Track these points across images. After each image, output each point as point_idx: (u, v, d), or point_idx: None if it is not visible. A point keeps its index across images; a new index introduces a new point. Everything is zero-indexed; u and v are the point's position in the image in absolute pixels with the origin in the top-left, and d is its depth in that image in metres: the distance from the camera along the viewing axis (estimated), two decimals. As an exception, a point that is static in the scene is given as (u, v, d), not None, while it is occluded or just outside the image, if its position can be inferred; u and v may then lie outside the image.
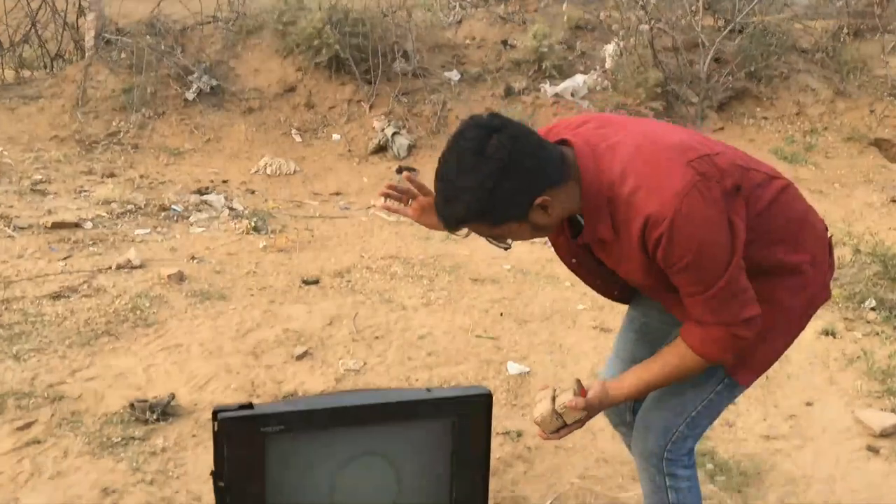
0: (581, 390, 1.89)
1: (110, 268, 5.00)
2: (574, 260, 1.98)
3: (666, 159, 1.63)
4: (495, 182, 1.59)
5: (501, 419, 3.35)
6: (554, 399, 1.93)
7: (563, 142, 1.72)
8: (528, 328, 4.39)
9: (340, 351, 3.98)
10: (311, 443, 2.15)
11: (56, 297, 4.47)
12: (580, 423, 1.91)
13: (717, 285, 1.65)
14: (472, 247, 6.10)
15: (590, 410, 1.87)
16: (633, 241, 1.66)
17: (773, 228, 1.78)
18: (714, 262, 1.64)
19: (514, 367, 3.84)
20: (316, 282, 5.01)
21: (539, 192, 1.63)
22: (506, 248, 1.81)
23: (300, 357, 3.86)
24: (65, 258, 5.17)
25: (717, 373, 1.89)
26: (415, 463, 2.24)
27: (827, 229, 1.93)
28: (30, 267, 4.97)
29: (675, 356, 1.81)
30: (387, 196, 2.07)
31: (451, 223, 1.70)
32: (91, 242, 5.55)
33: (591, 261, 1.93)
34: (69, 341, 3.91)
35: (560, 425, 1.91)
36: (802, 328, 1.93)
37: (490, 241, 1.81)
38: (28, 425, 3.11)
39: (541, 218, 1.67)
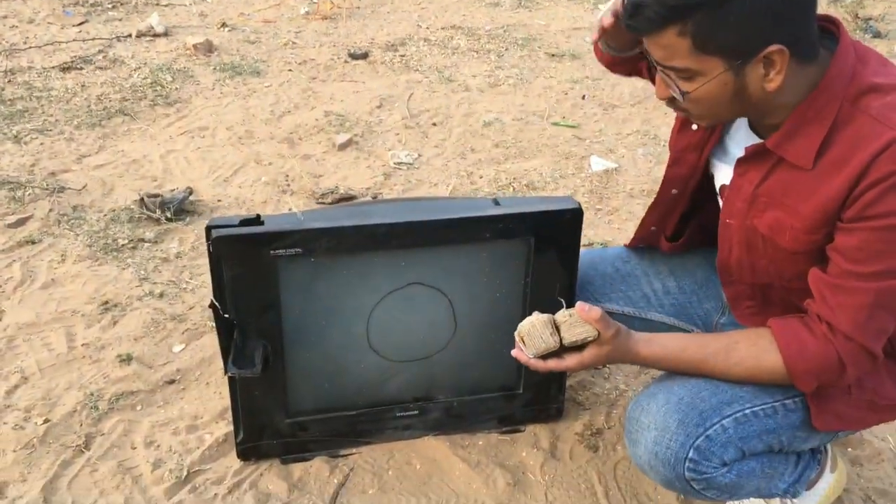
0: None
1: (130, 35, 4.36)
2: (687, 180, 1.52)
3: None
4: None
5: (583, 229, 2.75)
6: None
7: (828, 19, 1.28)
8: (615, 115, 3.66)
9: (391, 140, 3.35)
10: (339, 270, 1.60)
11: (66, 68, 3.89)
12: (579, 355, 1.32)
13: None
14: (550, 15, 5.22)
15: (601, 340, 1.30)
16: (845, 172, 1.19)
17: None
18: None
19: (598, 163, 3.17)
20: (365, 56, 4.30)
21: (776, 38, 1.15)
22: None
23: (343, 146, 3.25)
24: (80, 23, 4.53)
25: (793, 388, 1.35)
26: (477, 295, 1.68)
27: None
28: (40, 33, 4.35)
29: (748, 346, 1.33)
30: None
31: (658, 11, 1.14)
32: (111, 6, 4.87)
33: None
34: (78, 121, 3.37)
35: (552, 347, 1.29)
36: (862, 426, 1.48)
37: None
38: (22, 221, 2.63)
39: (753, 79, 1.19)
